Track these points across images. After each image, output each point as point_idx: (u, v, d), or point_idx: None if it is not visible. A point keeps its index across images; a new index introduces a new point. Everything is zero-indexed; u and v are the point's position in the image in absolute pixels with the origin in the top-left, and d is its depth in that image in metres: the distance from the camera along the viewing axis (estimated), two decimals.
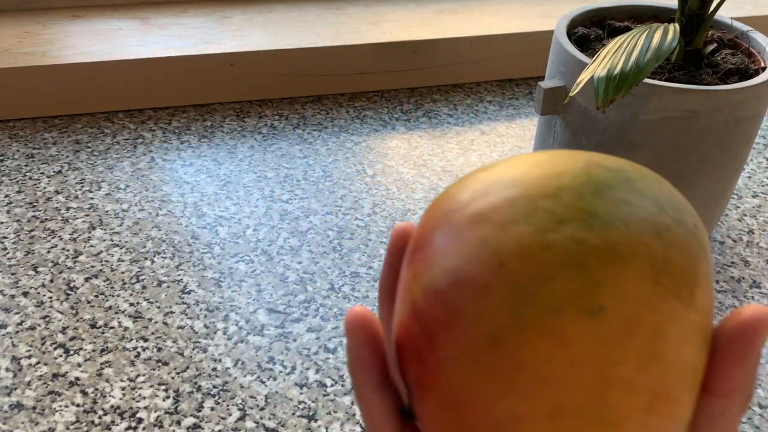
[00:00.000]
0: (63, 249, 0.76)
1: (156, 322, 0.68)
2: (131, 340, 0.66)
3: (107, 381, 0.62)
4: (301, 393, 0.62)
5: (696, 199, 0.72)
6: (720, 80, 0.69)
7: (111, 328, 0.67)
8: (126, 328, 0.67)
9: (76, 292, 0.71)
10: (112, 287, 0.72)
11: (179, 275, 0.73)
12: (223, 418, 0.59)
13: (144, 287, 0.72)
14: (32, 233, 0.78)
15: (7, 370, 0.63)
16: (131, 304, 0.70)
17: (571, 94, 0.62)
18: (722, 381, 0.21)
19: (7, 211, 0.81)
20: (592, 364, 0.18)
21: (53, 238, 0.78)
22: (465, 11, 1.16)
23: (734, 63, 0.71)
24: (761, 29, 1.20)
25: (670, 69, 0.71)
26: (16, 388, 0.61)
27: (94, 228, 0.80)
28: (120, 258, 0.75)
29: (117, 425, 0.58)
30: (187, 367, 0.64)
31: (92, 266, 0.74)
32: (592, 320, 0.18)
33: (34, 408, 0.59)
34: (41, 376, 0.62)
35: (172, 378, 0.63)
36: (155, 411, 0.60)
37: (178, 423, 0.59)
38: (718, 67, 0.71)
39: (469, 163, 0.93)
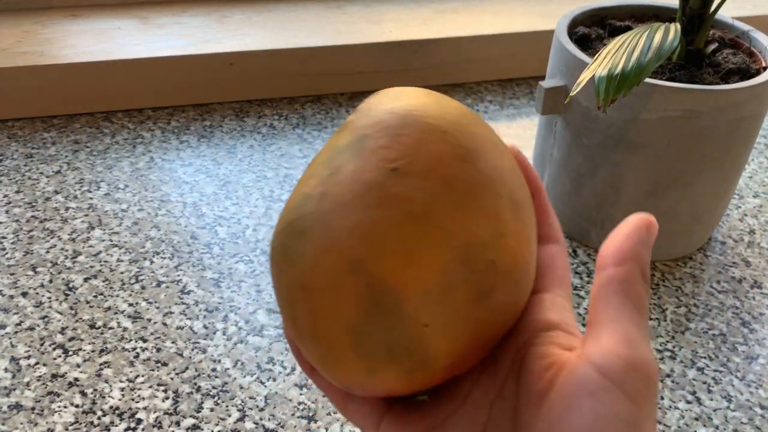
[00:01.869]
0: (62, 249, 0.76)
1: (155, 323, 0.68)
2: (130, 340, 0.66)
3: (106, 382, 0.62)
4: (300, 394, 0.62)
5: (697, 198, 0.72)
6: (721, 80, 0.69)
7: (110, 328, 0.67)
8: (125, 329, 0.67)
9: (75, 293, 0.71)
10: (111, 287, 0.72)
11: (178, 275, 0.73)
12: (223, 419, 0.59)
13: (143, 287, 0.72)
14: (31, 233, 0.78)
15: (6, 370, 0.62)
16: (130, 305, 0.70)
17: (571, 94, 0.61)
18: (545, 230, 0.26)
19: (6, 211, 0.81)
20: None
21: (52, 238, 0.78)
22: (466, 11, 1.16)
23: (735, 63, 0.71)
24: (762, 29, 1.20)
25: (671, 69, 0.70)
26: (15, 389, 0.61)
27: (93, 228, 0.79)
28: (119, 258, 0.75)
29: (116, 426, 0.58)
30: (187, 368, 0.63)
31: (91, 266, 0.74)
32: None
33: (33, 409, 0.59)
34: (40, 376, 0.62)
35: (172, 379, 0.62)
36: (154, 412, 0.59)
37: (178, 424, 0.59)
38: (719, 67, 0.71)
39: None
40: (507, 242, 0.22)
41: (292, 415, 0.60)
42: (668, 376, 0.64)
